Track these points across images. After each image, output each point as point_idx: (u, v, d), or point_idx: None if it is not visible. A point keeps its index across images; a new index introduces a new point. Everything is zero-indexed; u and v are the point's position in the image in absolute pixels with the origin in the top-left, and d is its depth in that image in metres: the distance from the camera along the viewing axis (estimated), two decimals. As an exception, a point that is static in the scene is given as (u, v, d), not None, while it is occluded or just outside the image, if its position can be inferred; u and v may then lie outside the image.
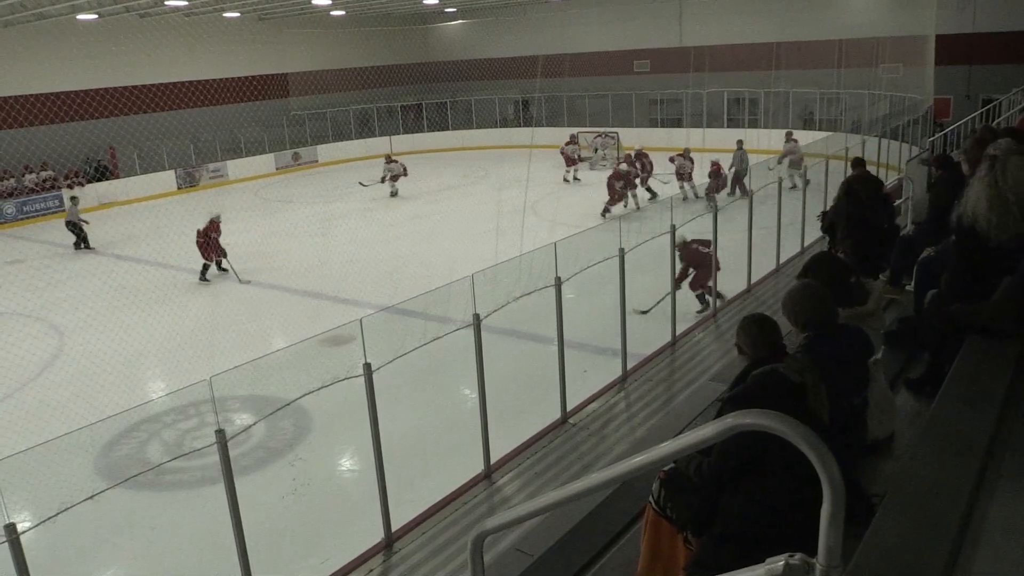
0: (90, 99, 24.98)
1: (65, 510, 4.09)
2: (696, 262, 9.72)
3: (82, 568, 6.02)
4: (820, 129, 21.88)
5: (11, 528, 3.65)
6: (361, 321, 5.54)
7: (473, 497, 5.73)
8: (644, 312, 9.12)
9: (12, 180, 22.88)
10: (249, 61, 29.28)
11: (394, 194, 21.62)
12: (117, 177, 24.84)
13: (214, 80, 28.18)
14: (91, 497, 4.26)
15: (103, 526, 6.36)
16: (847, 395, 3.31)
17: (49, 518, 4.01)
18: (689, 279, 9.83)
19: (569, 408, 6.81)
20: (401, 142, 30.42)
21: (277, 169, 28.29)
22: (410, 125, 31.52)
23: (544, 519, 4.65)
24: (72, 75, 24.75)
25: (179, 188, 25.71)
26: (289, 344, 9.43)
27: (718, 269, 9.72)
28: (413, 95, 32.26)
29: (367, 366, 5.26)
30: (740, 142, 18.99)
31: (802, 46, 24.85)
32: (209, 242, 14.84)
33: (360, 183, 22.07)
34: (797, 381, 2.81)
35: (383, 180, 21.85)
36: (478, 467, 6.00)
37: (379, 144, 30.18)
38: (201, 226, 15.15)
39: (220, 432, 4.48)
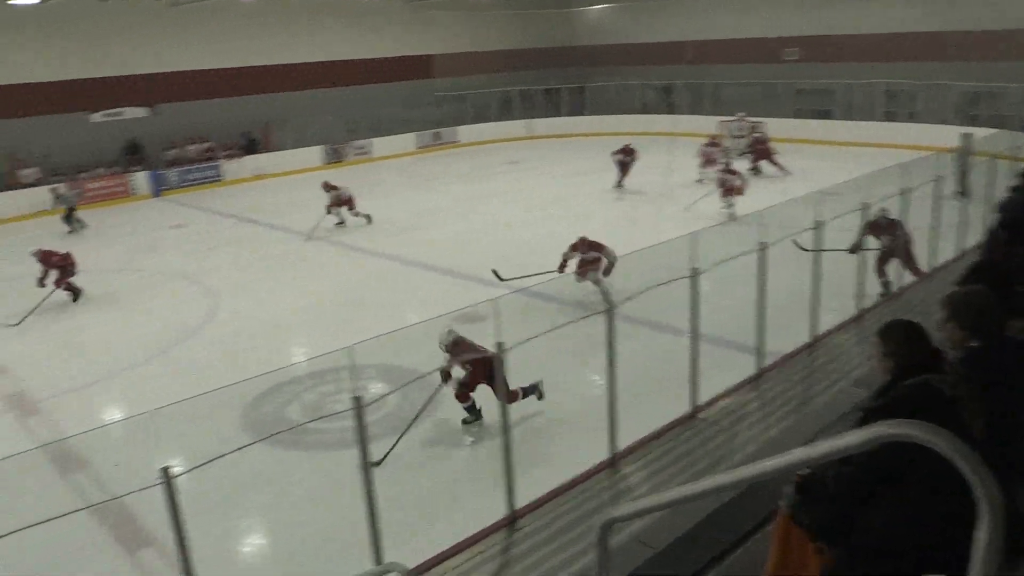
0: (246, 76, 26.45)
1: (216, 459, 4.37)
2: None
3: (223, 515, 6.40)
4: (983, 126, 20.37)
5: (166, 471, 3.92)
6: (496, 301, 5.61)
7: (597, 484, 5.73)
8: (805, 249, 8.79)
9: (176, 150, 24.48)
10: (395, 42, 30.13)
11: (340, 223, 17.10)
12: (268, 151, 26.14)
13: (362, 60, 29.21)
14: (240, 449, 4.53)
15: (245, 478, 6.75)
16: (1011, 414, 3.09)
17: (201, 464, 4.27)
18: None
19: (699, 402, 6.69)
20: (541, 126, 30.58)
21: (418, 148, 29.04)
22: (549, 108, 31.59)
23: (668, 512, 4.61)
24: (231, 53, 26.24)
25: (326, 163, 26.81)
26: (424, 319, 9.73)
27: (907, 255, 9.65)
28: (555, 79, 32.29)
29: (499, 345, 5.34)
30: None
31: (964, 36, 23.22)
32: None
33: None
34: (951, 394, 2.65)
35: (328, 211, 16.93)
36: (602, 454, 6.00)
37: (514, 128, 30.50)
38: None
39: (357, 399, 4.66)
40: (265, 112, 26.35)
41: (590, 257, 10.86)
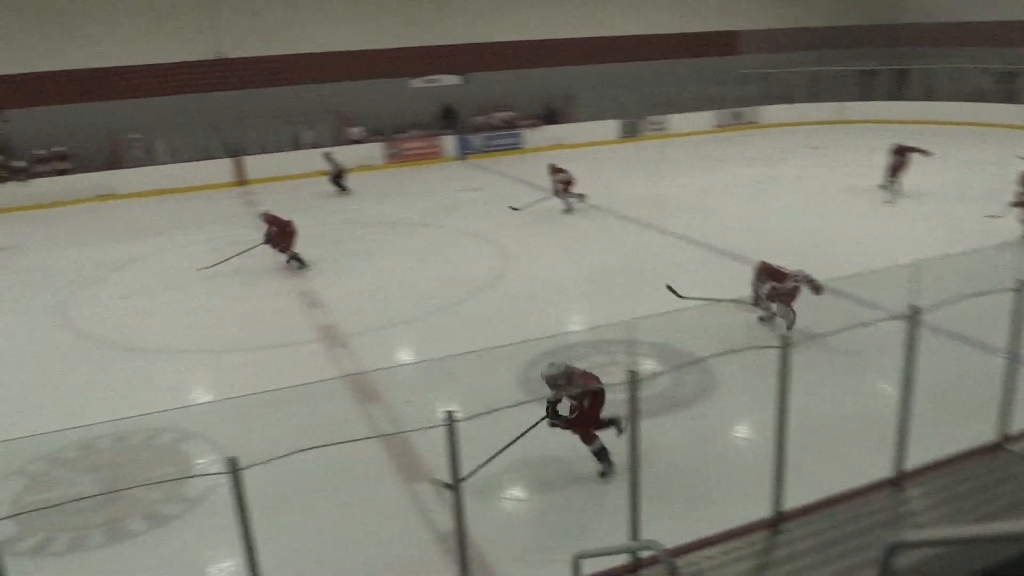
0: (549, 48, 27.34)
1: (494, 411, 4.63)
2: None
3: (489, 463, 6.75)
4: None
5: (450, 415, 4.20)
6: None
7: (876, 502, 5.30)
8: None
9: (483, 117, 26.00)
10: (700, 18, 29.47)
11: (568, 210, 16.64)
12: (567, 122, 26.89)
13: (664, 35, 28.96)
14: (516, 405, 4.75)
15: (511, 432, 7.06)
16: None
17: (481, 414, 4.54)
18: None
19: (1010, 432, 5.92)
20: (853, 110, 28.44)
21: (715, 127, 28.33)
22: (863, 92, 29.22)
23: (960, 548, 4.14)
24: (538, 25, 27.26)
25: (621, 137, 27.05)
26: (702, 302, 9.55)
27: None
28: (872, 59, 29.78)
29: (784, 338, 5.08)
30: None
31: None
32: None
33: (511, 207, 16.98)
34: None
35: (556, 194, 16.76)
36: (884, 469, 5.52)
37: (821, 111, 28.60)
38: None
39: (632, 373, 4.68)
40: (566, 84, 27.12)
41: (786, 288, 9.16)
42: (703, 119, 28.25)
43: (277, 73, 24.51)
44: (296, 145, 24.07)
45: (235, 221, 17.98)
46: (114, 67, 23.10)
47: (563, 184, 16.48)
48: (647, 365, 8.06)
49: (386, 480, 6.62)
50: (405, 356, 9.81)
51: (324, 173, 20.73)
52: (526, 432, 6.16)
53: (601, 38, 28.23)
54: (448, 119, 25.78)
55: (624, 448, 4.77)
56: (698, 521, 5.46)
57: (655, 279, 11.56)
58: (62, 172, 22.04)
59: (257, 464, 3.71)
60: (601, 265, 12.76)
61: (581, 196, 16.63)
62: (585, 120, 26.98)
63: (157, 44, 23.34)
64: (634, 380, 4.65)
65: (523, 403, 6.85)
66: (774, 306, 9.36)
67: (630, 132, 27.28)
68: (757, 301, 9.46)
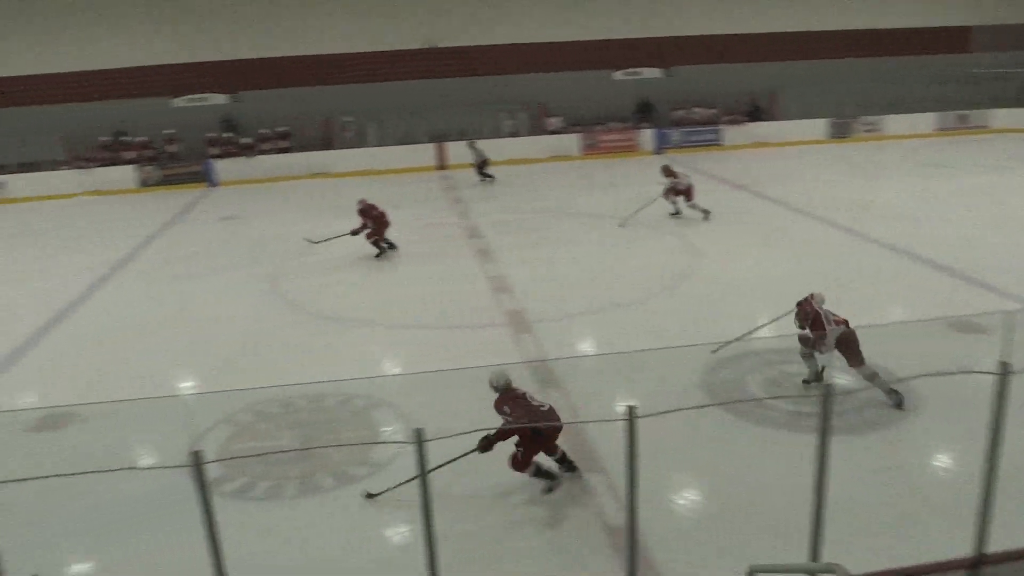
0: (754, 42, 26.31)
1: (674, 411, 4.55)
2: None
3: (663, 461, 6.62)
4: None
5: (631, 410, 4.16)
6: (1009, 315, 4.84)
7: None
8: None
9: (683, 111, 25.50)
10: (923, 11, 27.31)
11: (676, 214, 15.90)
12: (772, 119, 25.83)
13: (880, 30, 27.11)
14: (698, 407, 4.64)
15: (690, 433, 6.89)
16: None
17: (661, 412, 4.46)
18: None
19: None
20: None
21: (936, 130, 26.19)
22: None
23: None
24: (742, 18, 26.34)
25: (831, 137, 25.68)
26: (911, 318, 8.88)
27: None
28: None
29: (1004, 365, 4.62)
30: None
31: None
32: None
33: (619, 224, 15.69)
34: None
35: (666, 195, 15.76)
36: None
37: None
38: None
39: (827, 386, 4.44)
40: (770, 80, 26.03)
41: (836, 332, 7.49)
42: (923, 121, 26.15)
43: (482, 63, 25.28)
44: (496, 133, 24.72)
45: (433, 203, 18.79)
46: (334, 55, 24.76)
47: (674, 191, 15.68)
48: (842, 380, 7.60)
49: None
50: (587, 347, 9.85)
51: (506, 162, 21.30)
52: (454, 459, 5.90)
53: (810, 32, 26.88)
54: (644, 113, 25.50)
55: (810, 466, 4.53)
56: (887, 550, 5.11)
57: (853, 287, 10.89)
58: (283, 150, 23.98)
59: (442, 437, 3.86)
60: (796, 269, 12.17)
61: (706, 212, 15.61)
62: (791, 119, 25.79)
63: (373, 33, 24.77)
64: (828, 394, 4.40)
65: (705, 406, 6.70)
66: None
67: (840, 133, 25.79)
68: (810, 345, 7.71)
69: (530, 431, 5.94)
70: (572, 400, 7.76)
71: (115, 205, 21.74)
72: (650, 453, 4.90)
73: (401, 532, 5.94)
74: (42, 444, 7.69)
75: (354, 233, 13.76)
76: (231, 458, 5.68)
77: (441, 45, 25.25)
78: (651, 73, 25.95)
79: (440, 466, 5.48)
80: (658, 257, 13.28)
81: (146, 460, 7.27)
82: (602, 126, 25.13)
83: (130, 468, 4.86)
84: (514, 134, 24.78)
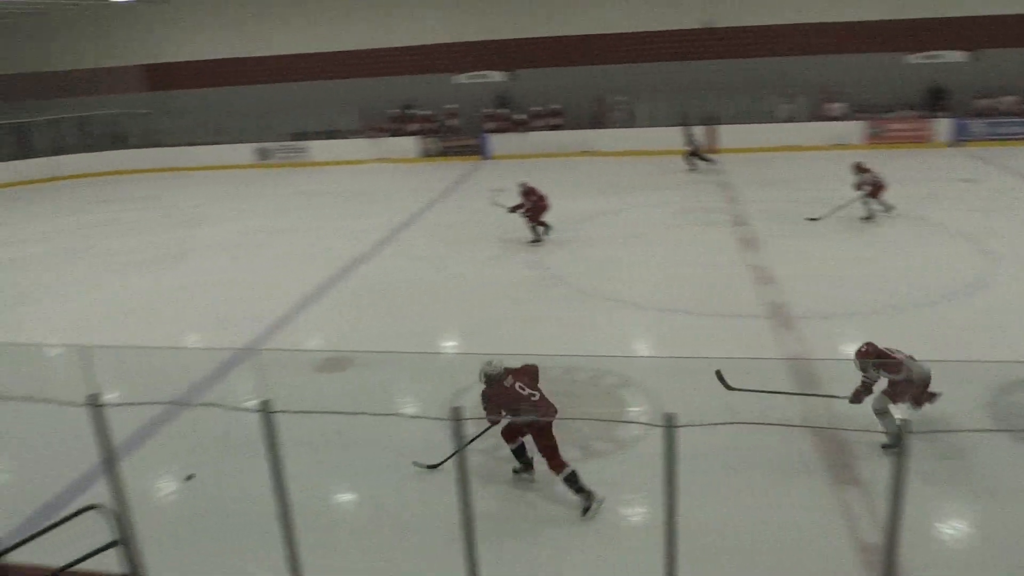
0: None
1: (952, 431, 4.13)
2: None
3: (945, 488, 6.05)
4: None
5: (903, 424, 3.82)
6: None
7: None
8: None
9: (988, 100, 22.75)
10: None
11: (867, 218, 14.35)
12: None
13: None
14: (981, 431, 4.18)
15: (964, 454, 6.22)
16: None
17: (937, 431, 4.08)
18: None
19: None
20: None
21: None
22: None
23: None
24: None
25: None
26: None
27: None
28: None
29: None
30: None
31: None
32: None
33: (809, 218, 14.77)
34: None
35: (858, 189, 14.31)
36: None
37: None
38: None
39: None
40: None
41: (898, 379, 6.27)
42: None
43: (760, 44, 24.19)
44: (771, 118, 23.65)
45: (697, 186, 18.43)
46: (607, 34, 24.89)
47: (869, 187, 14.10)
48: None
49: (812, 475, 6.31)
50: (850, 349, 9.18)
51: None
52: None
53: None
54: (937, 100, 23.05)
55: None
56: None
57: None
58: (554, 127, 24.65)
59: (693, 425, 3.79)
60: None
61: (888, 207, 14.34)
62: None
63: (649, 12, 24.55)
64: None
65: (987, 431, 6.01)
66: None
67: None
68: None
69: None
70: (831, 405, 7.25)
71: (399, 173, 23.63)
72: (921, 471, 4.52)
73: (639, 512, 5.95)
74: (325, 383, 8.59)
75: (512, 210, 14.05)
76: (483, 418, 5.99)
77: (719, 25, 24.50)
78: (952, 56, 23.36)
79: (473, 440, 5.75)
80: (944, 261, 12.02)
81: (410, 409, 7.88)
82: (891, 113, 23.13)
83: (397, 415, 5.31)
84: (791, 119, 23.54)
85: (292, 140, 26.15)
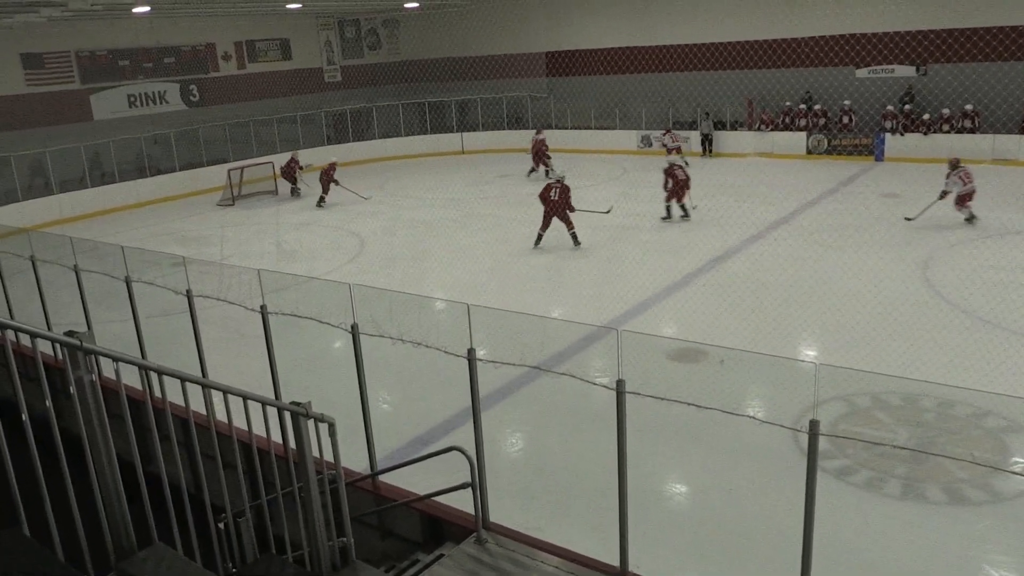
0: None
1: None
2: None
3: None
4: None
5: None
6: None
7: None
8: None
9: None
10: None
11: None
12: None
13: None
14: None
15: None
16: None
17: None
18: None
19: None
20: None
21: None
22: None
23: None
24: None
25: None
26: None
27: None
28: None
29: None
30: None
31: None
32: None
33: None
34: None
35: None
36: None
37: None
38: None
39: None
40: None
41: None
42: None
43: None
44: None
45: None
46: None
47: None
48: None
49: None
50: None
51: None
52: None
53: None
54: None
55: None
56: None
57: None
58: (965, 131, 21.92)
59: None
60: None
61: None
62: None
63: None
64: None
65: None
66: None
67: None
68: None
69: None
70: None
71: (782, 169, 22.74)
72: None
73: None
74: (678, 372, 8.70)
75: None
76: (847, 437, 5.64)
77: None
78: None
79: None
80: None
81: (761, 413, 7.68)
82: None
83: (749, 417, 5.22)
84: None
85: (673, 129, 26.48)
